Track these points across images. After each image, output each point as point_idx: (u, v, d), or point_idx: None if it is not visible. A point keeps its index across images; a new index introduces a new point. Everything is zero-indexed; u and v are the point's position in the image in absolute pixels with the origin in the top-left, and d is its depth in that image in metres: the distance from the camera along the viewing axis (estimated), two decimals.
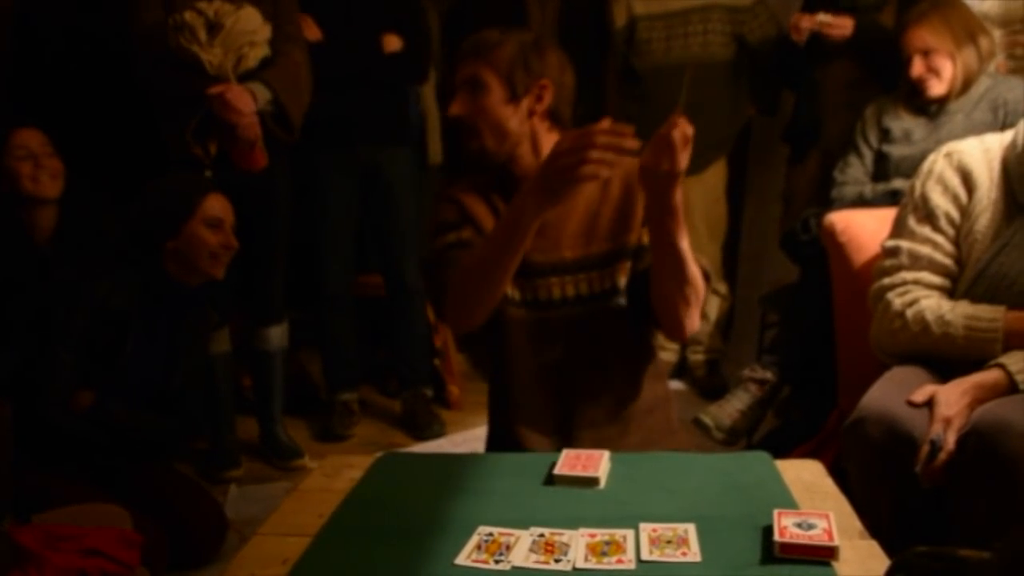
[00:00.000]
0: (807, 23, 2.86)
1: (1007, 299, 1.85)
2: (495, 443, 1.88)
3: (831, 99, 2.96)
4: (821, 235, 2.47)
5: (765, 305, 3.20)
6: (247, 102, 2.70)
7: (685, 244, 1.56)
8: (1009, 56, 2.72)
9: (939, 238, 1.95)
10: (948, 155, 1.99)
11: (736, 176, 3.61)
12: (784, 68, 3.16)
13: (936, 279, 1.95)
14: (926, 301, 1.91)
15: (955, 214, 1.94)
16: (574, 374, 1.76)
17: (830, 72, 2.97)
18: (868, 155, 2.64)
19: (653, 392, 1.81)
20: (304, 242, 3.31)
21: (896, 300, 1.94)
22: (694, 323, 1.67)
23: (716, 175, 3.41)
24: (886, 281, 1.98)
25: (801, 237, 2.67)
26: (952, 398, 1.74)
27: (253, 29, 2.75)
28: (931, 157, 2.02)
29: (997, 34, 2.64)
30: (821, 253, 2.46)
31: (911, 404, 1.77)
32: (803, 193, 3.05)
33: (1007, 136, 1.96)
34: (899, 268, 1.97)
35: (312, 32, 3.06)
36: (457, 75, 1.75)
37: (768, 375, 2.74)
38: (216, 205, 2.37)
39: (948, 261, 1.95)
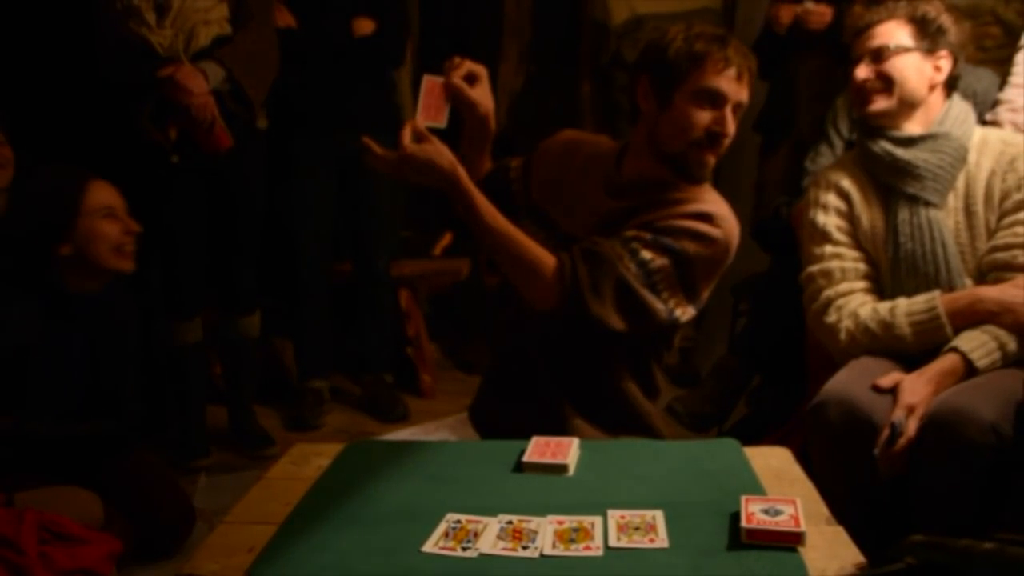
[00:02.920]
0: (787, 14, 2.85)
1: (932, 272, 1.94)
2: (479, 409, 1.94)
3: (803, 90, 2.97)
4: (792, 224, 2.48)
5: (737, 294, 3.21)
6: (198, 82, 2.65)
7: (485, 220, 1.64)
8: (978, 47, 2.74)
9: (841, 249, 2.04)
10: (817, 181, 2.15)
11: None
12: (761, 59, 3.16)
13: (858, 284, 2.02)
14: (862, 310, 1.97)
15: (844, 224, 2.06)
16: (569, 358, 1.77)
17: (802, 63, 2.98)
18: (839, 144, 2.65)
19: (631, 407, 1.81)
20: (278, 229, 3.29)
21: (832, 319, 2.00)
22: (534, 298, 1.67)
23: None
24: (814, 307, 2.06)
25: (772, 226, 2.68)
26: (917, 386, 1.79)
27: (205, 7, 2.72)
28: (807, 189, 2.17)
29: (966, 25, 2.66)
30: (792, 242, 2.47)
31: (877, 389, 1.81)
32: (775, 182, 3.07)
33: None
34: (819, 291, 2.04)
35: (285, 18, 3.03)
36: None
37: (739, 363, 2.75)
38: (102, 193, 2.17)
39: (860, 264, 2.03)
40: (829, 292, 2.02)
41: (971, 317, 1.86)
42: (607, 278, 1.62)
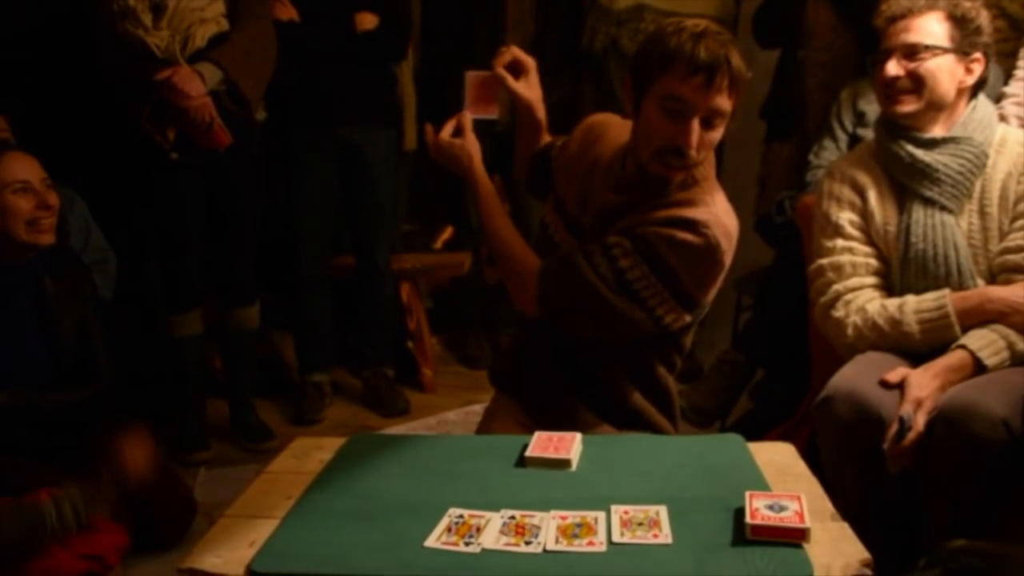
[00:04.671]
0: None
1: (943, 273, 1.92)
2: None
3: (809, 81, 2.95)
4: (796, 218, 2.47)
5: (740, 288, 3.20)
6: (195, 85, 2.64)
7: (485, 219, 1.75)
8: None
9: (852, 243, 2.02)
10: (831, 172, 2.11)
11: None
12: (769, 25, 3.10)
13: (868, 279, 2.00)
14: (870, 306, 1.95)
15: (856, 219, 2.03)
16: (573, 355, 1.76)
17: (809, 54, 2.95)
18: (843, 138, 2.64)
19: (649, 399, 1.79)
20: (279, 222, 3.28)
21: (840, 313, 1.99)
22: (517, 301, 1.73)
23: None
24: (822, 300, 2.03)
25: (776, 220, 2.67)
26: (924, 380, 1.78)
27: (201, 6, 2.71)
28: (821, 180, 2.14)
29: None
30: (796, 236, 2.46)
31: (884, 384, 1.80)
32: (778, 175, 3.04)
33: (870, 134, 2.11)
34: (829, 284, 2.02)
35: (287, 11, 3.02)
36: None
37: (742, 358, 2.74)
38: (15, 166, 2.13)
39: (871, 260, 2.01)
40: (838, 286, 2.00)
41: (980, 316, 1.85)
42: (578, 288, 1.61)
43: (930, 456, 1.72)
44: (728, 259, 1.65)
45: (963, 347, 1.82)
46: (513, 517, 1.27)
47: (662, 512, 1.27)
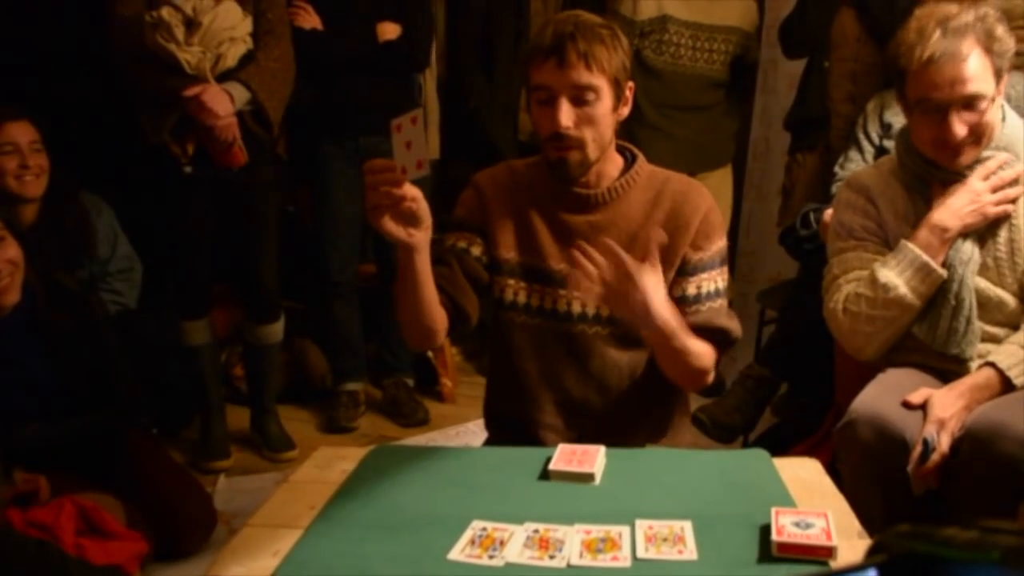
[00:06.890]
0: None
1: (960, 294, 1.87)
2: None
3: (834, 92, 2.93)
4: (821, 231, 2.45)
5: (763, 301, 3.18)
6: (224, 104, 2.64)
7: (676, 345, 1.55)
8: None
9: (864, 243, 1.96)
10: (848, 183, 2.07)
11: (735, 171, 3.60)
12: (794, 32, 3.08)
13: (866, 272, 1.93)
14: (848, 286, 1.92)
15: (870, 224, 1.98)
16: (586, 396, 1.72)
17: (834, 64, 2.94)
18: (869, 150, 2.62)
19: (673, 429, 1.78)
20: (304, 232, 3.29)
21: (832, 303, 1.94)
22: (694, 385, 1.71)
23: (718, 180, 3.35)
24: (826, 298, 1.99)
25: (800, 232, 2.65)
26: (947, 401, 1.74)
27: (232, 25, 2.70)
28: (839, 192, 2.10)
29: None
30: (820, 249, 2.43)
31: (907, 405, 1.76)
32: (803, 187, 3.02)
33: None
34: (832, 280, 1.98)
35: (311, 20, 3.03)
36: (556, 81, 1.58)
37: (766, 372, 2.72)
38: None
39: (878, 253, 1.93)
40: (840, 281, 1.94)
41: (942, 247, 1.83)
42: (733, 340, 1.69)
43: (957, 477, 1.69)
44: None
45: (990, 365, 1.78)
46: (537, 531, 1.26)
47: (687, 528, 1.26)
